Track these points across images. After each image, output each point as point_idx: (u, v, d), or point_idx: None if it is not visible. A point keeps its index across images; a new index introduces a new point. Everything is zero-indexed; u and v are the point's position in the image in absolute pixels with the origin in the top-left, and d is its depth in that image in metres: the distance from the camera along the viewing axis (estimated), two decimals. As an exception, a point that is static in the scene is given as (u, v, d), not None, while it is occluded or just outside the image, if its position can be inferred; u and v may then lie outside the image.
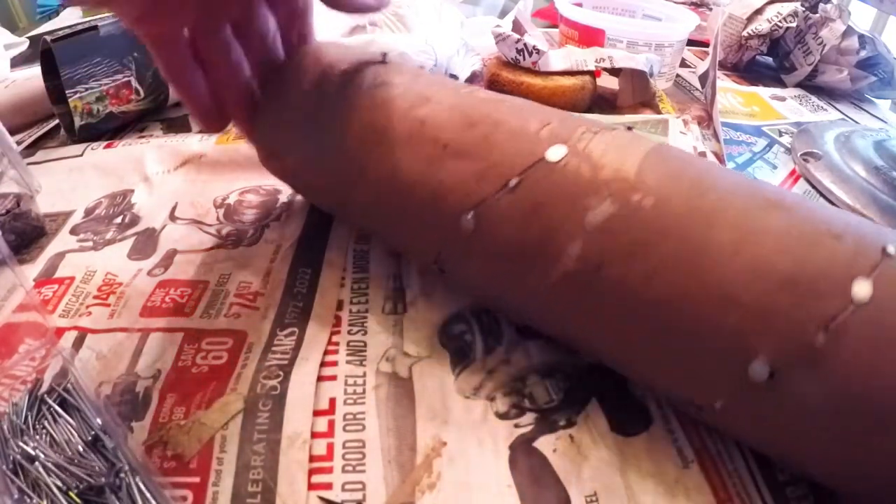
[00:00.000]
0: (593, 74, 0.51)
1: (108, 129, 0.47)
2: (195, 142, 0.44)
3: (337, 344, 0.28)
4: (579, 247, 0.22)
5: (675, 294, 0.20)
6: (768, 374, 0.19)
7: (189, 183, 0.40)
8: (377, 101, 0.27)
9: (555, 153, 0.24)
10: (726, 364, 0.20)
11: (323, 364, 0.26)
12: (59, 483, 0.21)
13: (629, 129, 0.26)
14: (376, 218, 0.29)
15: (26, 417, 0.23)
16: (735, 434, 0.23)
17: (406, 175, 0.26)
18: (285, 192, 0.39)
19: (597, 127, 0.25)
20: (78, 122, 0.44)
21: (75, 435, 0.23)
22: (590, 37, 0.56)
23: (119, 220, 0.37)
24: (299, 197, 0.38)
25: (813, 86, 0.60)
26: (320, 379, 0.26)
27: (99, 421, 0.23)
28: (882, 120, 0.56)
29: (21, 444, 0.22)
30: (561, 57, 0.49)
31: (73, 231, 0.36)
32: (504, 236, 0.24)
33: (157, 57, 0.28)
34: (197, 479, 0.22)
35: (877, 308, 0.18)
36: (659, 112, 0.52)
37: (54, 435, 0.23)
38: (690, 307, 0.20)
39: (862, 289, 0.18)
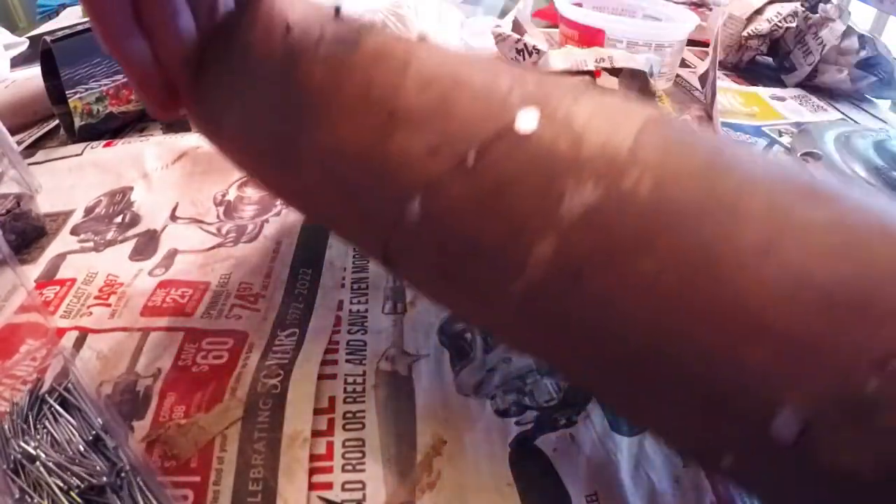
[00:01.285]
0: (593, 74, 0.51)
1: (108, 130, 0.47)
2: (194, 138, 0.44)
3: (337, 343, 0.28)
4: (552, 245, 0.17)
5: (677, 314, 0.15)
6: (798, 431, 0.14)
7: (187, 177, 0.40)
8: (325, 60, 0.22)
9: (526, 120, 0.18)
10: (742, 413, 0.15)
11: (323, 363, 0.26)
12: (60, 483, 0.21)
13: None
14: (316, 202, 0.24)
15: (27, 417, 0.23)
16: (747, 491, 0.20)
17: (349, 150, 0.21)
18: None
19: (582, 89, 0.19)
20: (78, 122, 0.44)
21: (76, 434, 0.23)
22: (590, 37, 0.56)
23: (119, 219, 0.37)
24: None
25: (813, 86, 0.60)
26: (320, 378, 0.26)
27: (100, 420, 0.23)
28: (882, 120, 0.56)
29: (22, 443, 0.22)
30: (561, 57, 0.49)
31: (74, 231, 0.36)
32: (457, 229, 0.19)
33: (92, 18, 0.23)
34: (197, 479, 0.22)
35: None
36: (659, 112, 0.52)
37: (55, 434, 0.23)
38: (697, 333, 0.15)
39: None
